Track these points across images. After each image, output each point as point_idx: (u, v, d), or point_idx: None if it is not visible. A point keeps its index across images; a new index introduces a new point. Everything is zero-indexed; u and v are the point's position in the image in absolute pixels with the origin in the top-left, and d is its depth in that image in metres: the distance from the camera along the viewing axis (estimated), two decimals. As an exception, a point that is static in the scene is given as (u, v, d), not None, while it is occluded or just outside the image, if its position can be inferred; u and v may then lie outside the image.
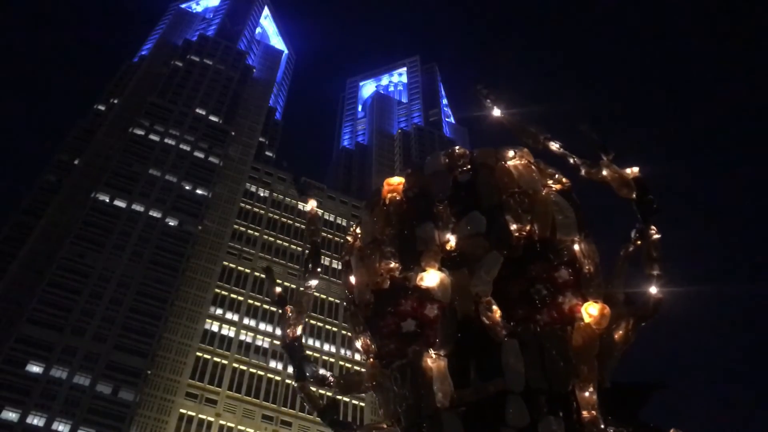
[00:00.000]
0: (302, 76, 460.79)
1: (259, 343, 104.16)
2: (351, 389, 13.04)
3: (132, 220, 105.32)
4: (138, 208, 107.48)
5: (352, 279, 12.41)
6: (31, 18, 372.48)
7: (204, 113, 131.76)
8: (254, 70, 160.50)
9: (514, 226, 11.19)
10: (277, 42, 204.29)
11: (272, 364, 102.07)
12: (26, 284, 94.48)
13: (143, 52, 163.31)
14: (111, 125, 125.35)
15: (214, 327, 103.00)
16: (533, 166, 12.15)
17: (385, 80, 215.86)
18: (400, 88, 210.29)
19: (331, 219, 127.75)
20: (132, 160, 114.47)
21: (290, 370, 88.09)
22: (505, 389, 10.09)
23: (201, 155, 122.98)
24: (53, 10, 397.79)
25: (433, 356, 10.53)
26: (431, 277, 10.95)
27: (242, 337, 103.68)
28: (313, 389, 12.40)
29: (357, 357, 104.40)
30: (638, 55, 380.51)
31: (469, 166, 12.38)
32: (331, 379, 12.55)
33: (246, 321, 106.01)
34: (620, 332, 10.89)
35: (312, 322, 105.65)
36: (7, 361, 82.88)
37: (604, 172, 11.71)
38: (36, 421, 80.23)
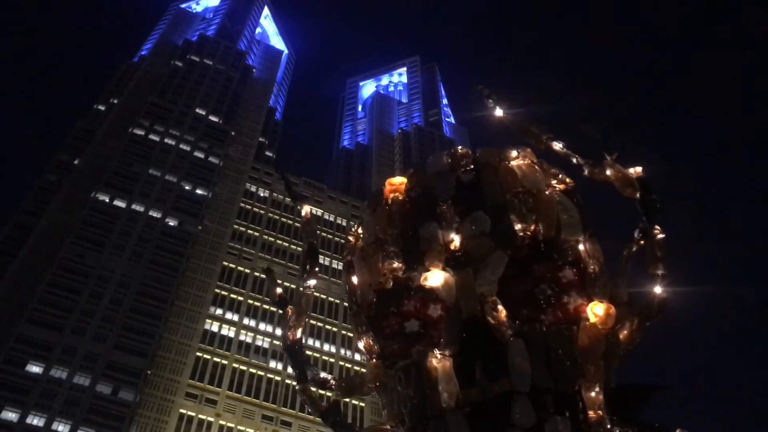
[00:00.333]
0: (302, 76, 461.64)
1: (259, 343, 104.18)
2: (353, 391, 12.98)
3: (132, 220, 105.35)
4: (138, 208, 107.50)
5: (354, 279, 12.36)
6: (30, 18, 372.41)
7: (204, 113, 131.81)
8: (254, 70, 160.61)
9: (518, 226, 11.14)
10: (277, 42, 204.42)
11: (272, 364, 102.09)
12: (26, 284, 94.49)
13: (143, 52, 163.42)
14: (111, 125, 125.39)
15: (214, 327, 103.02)
16: (536, 166, 12.11)
17: (385, 80, 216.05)
18: (400, 88, 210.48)
19: (331, 219, 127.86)
20: (132, 160, 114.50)
21: (290, 370, 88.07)
22: (511, 389, 10.06)
23: (201, 155, 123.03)
24: (53, 10, 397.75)
25: (438, 356, 10.49)
26: (435, 277, 10.90)
27: (242, 337, 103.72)
28: (314, 390, 12.36)
29: (357, 357, 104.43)
30: (638, 55, 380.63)
31: (472, 166, 12.33)
32: (333, 381, 12.50)
33: (246, 321, 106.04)
34: (625, 332, 10.87)
35: (312, 322, 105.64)
36: (7, 361, 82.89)
37: (608, 172, 11.67)
38: (36, 421, 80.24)
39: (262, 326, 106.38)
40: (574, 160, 12.19)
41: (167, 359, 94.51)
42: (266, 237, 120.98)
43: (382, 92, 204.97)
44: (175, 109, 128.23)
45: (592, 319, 10.45)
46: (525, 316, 10.71)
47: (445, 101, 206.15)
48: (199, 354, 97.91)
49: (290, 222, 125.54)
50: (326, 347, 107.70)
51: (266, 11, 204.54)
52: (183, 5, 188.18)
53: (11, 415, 79.87)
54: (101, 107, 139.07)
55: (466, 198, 11.77)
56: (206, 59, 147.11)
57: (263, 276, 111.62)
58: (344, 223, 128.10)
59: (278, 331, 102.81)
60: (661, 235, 11.10)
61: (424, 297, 11.16)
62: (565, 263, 11.00)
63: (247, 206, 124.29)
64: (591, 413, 10.07)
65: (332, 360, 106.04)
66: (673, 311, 10.97)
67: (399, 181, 12.77)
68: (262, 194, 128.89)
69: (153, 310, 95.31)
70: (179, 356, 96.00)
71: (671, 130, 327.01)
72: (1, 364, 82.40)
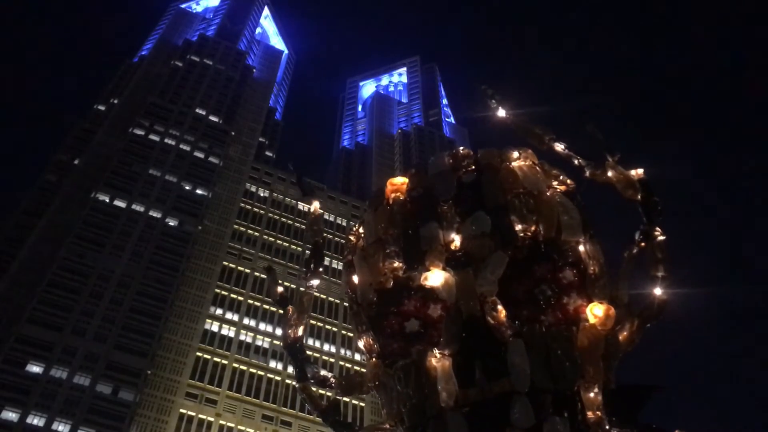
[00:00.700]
0: (302, 76, 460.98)
1: (259, 343, 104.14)
2: (353, 390, 13.01)
3: (132, 220, 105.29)
4: (138, 208, 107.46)
5: (355, 278, 12.39)
6: (30, 18, 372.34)
7: (204, 113, 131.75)
8: (254, 71, 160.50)
9: (519, 227, 11.18)
10: (277, 42, 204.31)
11: (272, 364, 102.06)
12: (26, 284, 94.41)
13: (143, 52, 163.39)
14: (111, 125, 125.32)
15: (214, 327, 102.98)
16: (537, 167, 12.14)
17: (385, 80, 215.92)
18: (400, 88, 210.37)
19: (331, 219, 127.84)
20: (132, 160, 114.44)
21: (290, 370, 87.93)
22: (511, 389, 10.08)
23: (201, 155, 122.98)
24: (53, 9, 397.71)
25: (438, 356, 10.52)
26: (436, 277, 10.94)
27: (242, 337, 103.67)
28: (315, 390, 12.39)
29: (357, 357, 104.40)
30: (639, 55, 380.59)
31: (473, 167, 12.36)
32: (333, 380, 12.53)
33: (246, 321, 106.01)
34: (625, 333, 10.90)
35: (312, 322, 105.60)
36: (7, 361, 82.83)
37: (609, 174, 11.70)
38: (36, 421, 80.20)
39: (262, 326, 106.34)
40: (576, 162, 12.21)
41: (167, 359, 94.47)
42: (266, 237, 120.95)
43: (382, 92, 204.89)
44: (175, 109, 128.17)
45: (592, 320, 10.49)
46: (525, 317, 10.74)
47: (445, 101, 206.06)
48: (199, 354, 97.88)
49: (290, 222, 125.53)
50: (326, 347, 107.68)
51: (266, 11, 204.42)
52: (183, 5, 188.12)
53: (11, 415, 79.83)
54: (101, 107, 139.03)
55: (467, 198, 11.80)
56: (206, 59, 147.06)
57: (263, 276, 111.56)
58: (344, 223, 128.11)
59: (278, 331, 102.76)
60: (661, 237, 11.12)
61: (425, 297, 11.19)
62: (566, 264, 11.04)
63: (247, 206, 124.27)
64: (590, 414, 10.10)
65: (332, 360, 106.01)
66: (672, 312, 10.99)
67: (400, 181, 12.80)
68: (262, 194, 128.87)
69: (153, 310, 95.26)
70: (179, 356, 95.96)
71: (670, 131, 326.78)
72: (1, 364, 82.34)
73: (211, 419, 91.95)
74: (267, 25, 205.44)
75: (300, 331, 12.52)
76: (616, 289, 11.01)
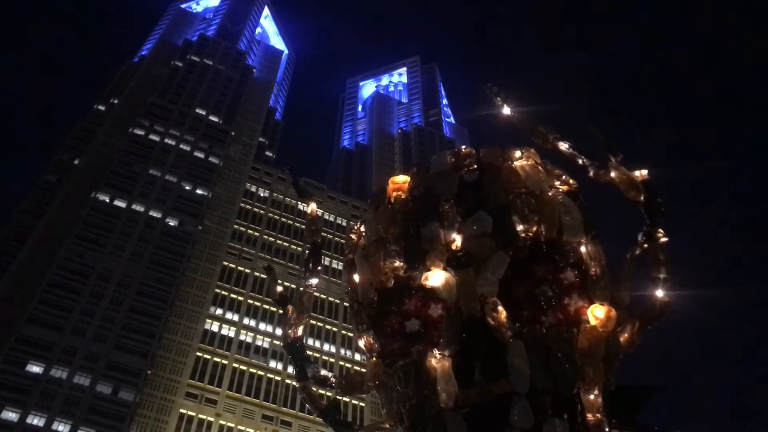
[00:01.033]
0: (302, 76, 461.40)
1: (259, 343, 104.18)
2: (353, 390, 12.98)
3: (132, 220, 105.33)
4: (138, 208, 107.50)
5: (356, 277, 12.35)
6: (31, 18, 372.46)
7: (204, 113, 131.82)
8: (254, 71, 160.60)
9: (520, 227, 11.11)
10: (277, 42, 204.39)
11: (272, 364, 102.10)
12: (26, 284, 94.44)
13: (143, 52, 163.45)
14: (111, 125, 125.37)
15: (214, 327, 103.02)
16: (540, 167, 12.08)
17: (385, 80, 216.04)
18: (400, 88, 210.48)
19: (331, 219, 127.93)
20: (132, 160, 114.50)
21: (290, 370, 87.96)
22: (510, 390, 10.03)
23: (201, 155, 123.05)
24: (53, 10, 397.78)
25: (438, 356, 10.47)
26: (436, 277, 10.89)
27: (242, 337, 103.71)
28: (315, 389, 12.35)
29: (357, 357, 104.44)
30: (639, 55, 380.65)
31: (475, 166, 12.30)
32: (333, 379, 12.50)
33: (246, 321, 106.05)
34: (625, 335, 10.85)
35: (312, 322, 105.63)
36: (7, 361, 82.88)
37: (613, 174, 11.64)
38: (36, 421, 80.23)
39: (262, 326, 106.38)
40: (580, 162, 12.16)
41: (167, 359, 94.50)
42: (266, 237, 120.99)
43: (382, 92, 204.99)
44: (175, 109, 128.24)
45: (593, 322, 10.42)
46: (525, 318, 10.69)
47: (445, 101, 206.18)
48: (199, 354, 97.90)
49: (290, 222, 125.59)
50: (326, 347, 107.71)
51: (266, 11, 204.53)
52: (183, 5, 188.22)
53: (11, 415, 79.86)
54: (101, 107, 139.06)
55: (469, 198, 11.74)
56: (206, 59, 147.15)
57: (263, 276, 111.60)
58: (344, 223, 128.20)
59: (278, 331, 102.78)
60: (664, 239, 11.06)
61: (425, 296, 11.15)
62: (567, 265, 10.98)
63: (247, 206, 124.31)
64: (590, 416, 10.05)
65: (332, 360, 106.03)
66: (674, 313, 10.94)
67: (402, 179, 12.74)
68: (262, 194, 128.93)
69: (153, 310, 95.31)
70: (179, 356, 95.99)
71: (679, 132, 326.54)
72: (1, 364, 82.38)
73: (211, 419, 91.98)
74: (267, 25, 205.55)
75: (300, 330, 12.49)
76: (617, 291, 10.95)
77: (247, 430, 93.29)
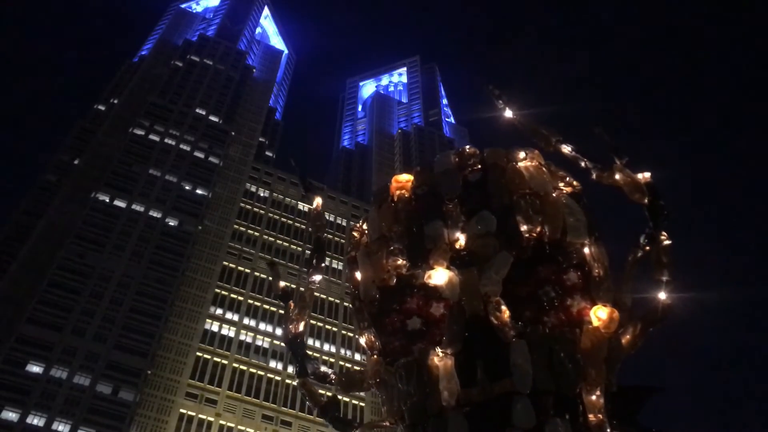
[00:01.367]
0: (302, 76, 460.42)
1: (259, 343, 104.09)
2: (353, 387, 13.01)
3: (132, 220, 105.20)
4: (138, 208, 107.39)
5: (358, 275, 12.36)
6: (31, 17, 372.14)
7: (204, 113, 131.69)
8: (254, 70, 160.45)
9: (524, 227, 11.13)
10: (277, 42, 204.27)
11: (272, 364, 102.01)
12: (26, 284, 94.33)
13: (143, 52, 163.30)
14: (111, 125, 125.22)
15: (214, 327, 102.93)
16: (544, 168, 12.09)
17: (385, 80, 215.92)
18: (400, 88, 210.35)
19: (331, 219, 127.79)
20: (132, 160, 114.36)
21: (290, 370, 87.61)
22: (512, 390, 10.05)
23: (201, 155, 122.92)
24: (53, 10, 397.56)
25: (440, 355, 10.49)
26: (439, 275, 10.91)
27: (242, 337, 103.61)
28: (315, 386, 12.36)
29: (357, 357, 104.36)
30: (639, 56, 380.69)
31: (479, 166, 12.31)
32: (333, 376, 12.52)
33: (246, 321, 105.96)
34: (627, 337, 10.86)
35: (312, 321, 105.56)
36: (7, 361, 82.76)
37: (617, 176, 11.65)
38: (36, 421, 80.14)
39: (262, 326, 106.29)
40: (583, 164, 12.17)
41: (167, 359, 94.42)
42: (266, 237, 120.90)
43: (382, 92, 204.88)
44: (175, 109, 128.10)
45: (596, 323, 10.45)
46: (528, 318, 10.72)
47: (445, 101, 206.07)
48: (199, 354, 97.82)
49: (290, 222, 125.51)
50: (326, 347, 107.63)
51: (266, 11, 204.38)
52: (183, 5, 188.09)
53: (11, 415, 79.76)
54: (101, 107, 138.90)
55: (473, 197, 11.77)
56: (206, 59, 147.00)
57: (263, 276, 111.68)
58: (344, 223, 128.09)
59: (278, 331, 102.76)
60: (667, 242, 11.07)
61: (427, 295, 11.18)
62: (570, 266, 11.02)
63: (247, 206, 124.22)
64: (591, 416, 10.07)
65: (332, 360, 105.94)
66: (676, 315, 10.94)
67: (405, 178, 12.76)
68: (262, 194, 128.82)
69: (153, 310, 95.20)
70: (179, 356, 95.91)
71: (683, 134, 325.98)
72: (1, 364, 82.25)
73: (211, 419, 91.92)
74: (267, 25, 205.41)
75: (301, 326, 12.51)
76: (619, 292, 10.97)
77: (247, 430, 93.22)
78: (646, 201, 11.40)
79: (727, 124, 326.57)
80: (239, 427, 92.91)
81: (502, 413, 9.99)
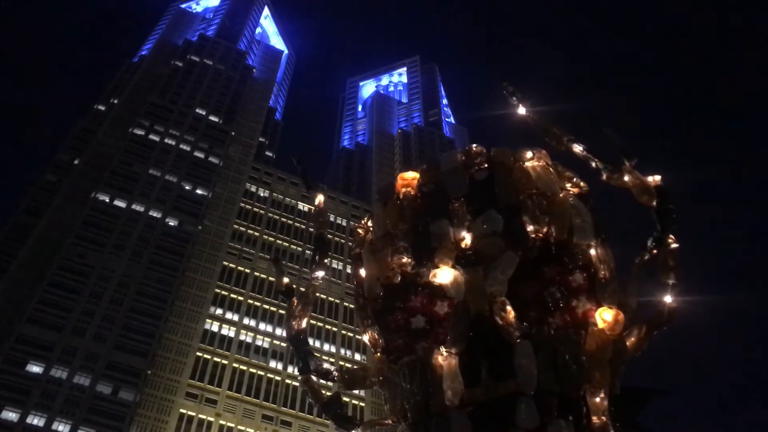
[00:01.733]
0: (302, 76, 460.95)
1: (259, 343, 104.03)
2: (355, 384, 12.97)
3: (132, 220, 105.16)
4: (138, 208, 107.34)
5: (362, 272, 12.30)
6: (31, 18, 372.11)
7: (204, 113, 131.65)
8: (254, 70, 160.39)
9: (530, 228, 11.08)
10: (277, 42, 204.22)
11: (272, 364, 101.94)
12: (26, 284, 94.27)
13: (143, 52, 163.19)
14: (111, 125, 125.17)
15: (214, 327, 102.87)
16: (551, 169, 12.03)
17: (385, 80, 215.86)
18: (400, 88, 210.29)
19: (331, 219, 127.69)
20: (132, 160, 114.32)
21: (290, 370, 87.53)
22: (517, 391, 10.01)
23: (201, 155, 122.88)
24: (53, 9, 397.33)
25: (444, 354, 10.45)
26: (445, 274, 10.86)
27: (242, 337, 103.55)
28: (317, 383, 12.30)
29: (358, 357, 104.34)
30: (638, 55, 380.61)
31: (486, 165, 12.26)
32: (335, 373, 12.47)
33: (246, 321, 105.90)
34: (632, 339, 10.83)
35: (312, 322, 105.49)
36: (7, 361, 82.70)
37: (626, 178, 11.59)
38: (36, 421, 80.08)
39: (262, 326, 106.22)
40: (593, 164, 12.13)
41: (167, 359, 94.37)
42: (266, 237, 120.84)
43: (382, 92, 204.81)
44: (175, 109, 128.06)
45: (601, 325, 10.41)
46: (533, 318, 10.68)
47: (445, 101, 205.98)
48: (199, 354, 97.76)
49: (290, 222, 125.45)
50: (326, 347, 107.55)
51: (266, 11, 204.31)
52: (183, 5, 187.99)
53: (11, 415, 79.70)
54: (101, 107, 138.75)
55: (479, 196, 11.72)
56: (206, 59, 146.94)
57: (263, 276, 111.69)
58: (344, 223, 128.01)
59: (278, 331, 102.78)
60: (674, 245, 11.02)
61: (432, 293, 11.14)
62: (576, 267, 10.98)
63: (247, 206, 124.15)
64: (595, 418, 10.04)
65: (332, 360, 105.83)
66: (682, 319, 10.90)
67: (411, 176, 12.70)
68: (262, 194, 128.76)
69: (153, 310, 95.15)
70: (179, 356, 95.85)
71: (690, 136, 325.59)
72: (1, 364, 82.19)
73: (211, 419, 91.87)
74: (267, 25, 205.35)
75: (304, 323, 12.49)
76: (625, 295, 10.92)
77: (247, 430, 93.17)
78: (654, 204, 11.34)
79: (739, 127, 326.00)
80: (239, 427, 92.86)
81: (506, 414, 9.95)
